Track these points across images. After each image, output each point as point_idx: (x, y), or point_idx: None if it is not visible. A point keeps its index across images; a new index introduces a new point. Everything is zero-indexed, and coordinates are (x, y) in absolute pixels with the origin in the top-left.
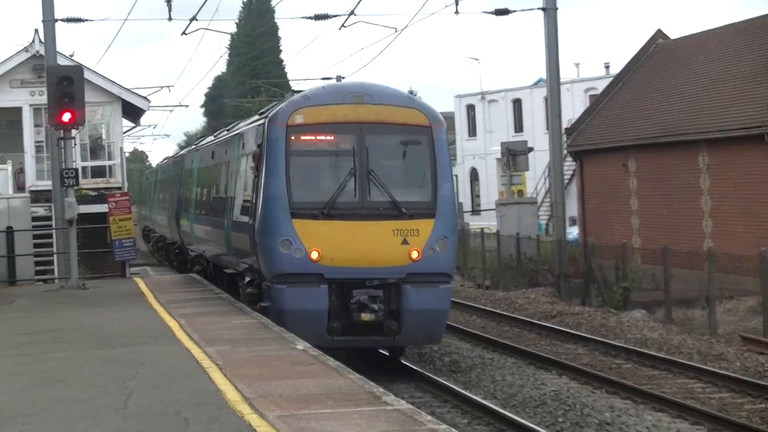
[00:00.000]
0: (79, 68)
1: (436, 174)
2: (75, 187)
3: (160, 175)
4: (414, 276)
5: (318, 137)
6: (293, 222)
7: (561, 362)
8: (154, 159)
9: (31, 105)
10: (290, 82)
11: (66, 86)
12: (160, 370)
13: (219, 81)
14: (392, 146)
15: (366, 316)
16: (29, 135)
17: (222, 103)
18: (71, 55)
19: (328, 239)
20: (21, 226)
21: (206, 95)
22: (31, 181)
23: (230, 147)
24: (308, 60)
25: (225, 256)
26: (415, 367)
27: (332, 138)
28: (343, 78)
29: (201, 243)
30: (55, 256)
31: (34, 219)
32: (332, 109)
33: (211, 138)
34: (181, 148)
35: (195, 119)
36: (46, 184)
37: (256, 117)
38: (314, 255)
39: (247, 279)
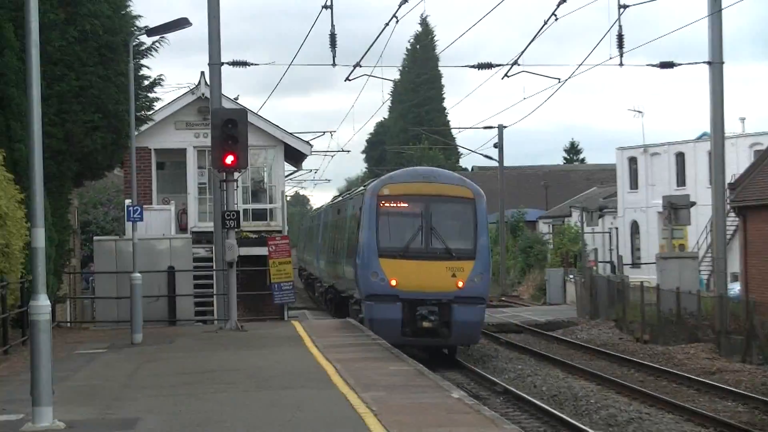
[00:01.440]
0: (243, 111)
1: (477, 230)
2: (236, 230)
3: (308, 221)
4: (459, 298)
5: (398, 204)
6: (380, 260)
7: (720, 419)
8: (316, 202)
9: (195, 147)
10: (452, 131)
11: (230, 129)
12: (316, 414)
13: (381, 127)
14: (447, 211)
15: (426, 324)
16: (192, 176)
17: (383, 149)
18: (236, 98)
19: (403, 272)
20: (182, 267)
21: (368, 141)
22: (194, 222)
23: (346, 207)
24: (470, 108)
25: (343, 284)
26: (573, 421)
27: (407, 205)
28: (505, 127)
29: (331, 277)
30: (214, 297)
31: (195, 260)
32: (408, 186)
33: (338, 197)
34: (341, 193)
35: (356, 164)
36: (207, 226)
37: (361, 188)
38: (393, 282)
39: (354, 300)
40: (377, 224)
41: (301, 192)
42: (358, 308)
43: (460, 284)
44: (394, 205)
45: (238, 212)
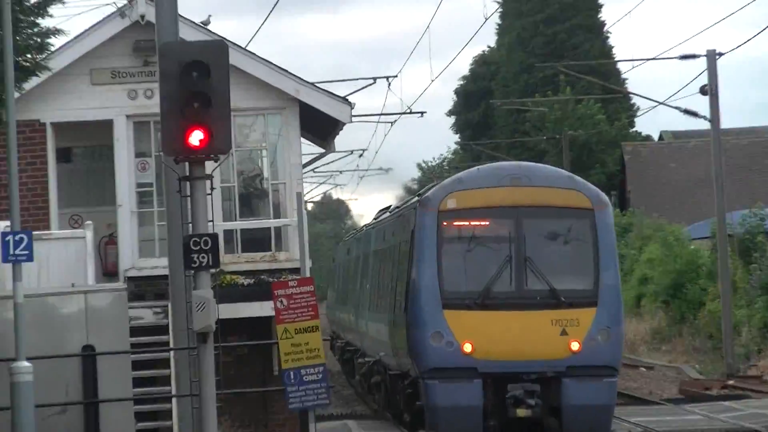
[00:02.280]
0: (220, 46)
1: (599, 259)
2: (214, 270)
3: (343, 252)
4: (575, 369)
5: (472, 222)
6: (445, 313)
7: None
8: (365, 214)
9: (129, 117)
10: (618, 65)
11: (196, 80)
12: None
13: (482, 64)
14: (551, 231)
15: (522, 412)
16: (126, 173)
17: (487, 105)
18: (205, 24)
19: (482, 330)
20: (110, 345)
21: (458, 92)
22: (130, 259)
23: (392, 230)
24: (650, 25)
25: (390, 355)
26: None
27: (487, 223)
28: (720, 55)
29: (377, 346)
30: (174, 401)
31: (136, 331)
32: (487, 193)
33: (386, 211)
34: (409, 192)
35: (438, 136)
36: (156, 266)
37: (413, 199)
38: (467, 347)
39: (406, 380)
40: (439, 256)
41: (336, 194)
42: (412, 392)
43: (575, 346)
44: (466, 224)
45: (215, 237)
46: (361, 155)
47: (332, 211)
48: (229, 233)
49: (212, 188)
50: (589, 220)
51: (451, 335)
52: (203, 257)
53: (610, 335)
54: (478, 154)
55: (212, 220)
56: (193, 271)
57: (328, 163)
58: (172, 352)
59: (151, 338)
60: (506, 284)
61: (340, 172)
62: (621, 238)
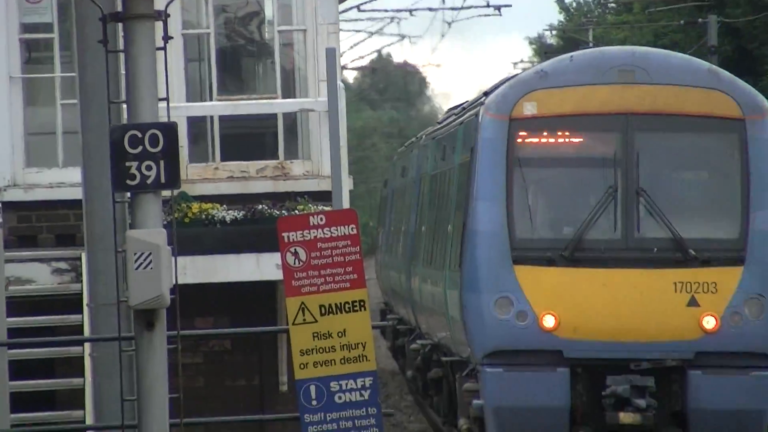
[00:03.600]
0: None
1: (750, 195)
2: (168, 194)
3: (413, 164)
4: (709, 356)
5: (560, 137)
6: (516, 270)
7: None
8: (457, 89)
9: None
10: None
11: None
12: None
13: None
14: (679, 150)
15: (628, 417)
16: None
17: None
18: None
19: (572, 297)
20: None
21: None
22: (9, 170)
23: (451, 144)
24: None
25: (442, 332)
26: None
27: (582, 138)
28: None
29: (423, 317)
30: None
31: (19, 305)
32: (584, 92)
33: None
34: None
35: None
36: (60, 182)
37: (480, 98)
38: (549, 321)
39: (462, 370)
40: (509, 187)
41: (401, 55)
42: (471, 386)
43: (710, 323)
44: (550, 140)
45: (173, 131)
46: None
47: (395, 86)
48: (199, 125)
49: (167, 37)
50: (738, 136)
51: (526, 303)
52: (149, 168)
53: (765, 308)
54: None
55: (167, 99)
56: (129, 195)
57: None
58: (86, 347)
59: (48, 319)
60: (608, 230)
61: (411, 12)
62: None
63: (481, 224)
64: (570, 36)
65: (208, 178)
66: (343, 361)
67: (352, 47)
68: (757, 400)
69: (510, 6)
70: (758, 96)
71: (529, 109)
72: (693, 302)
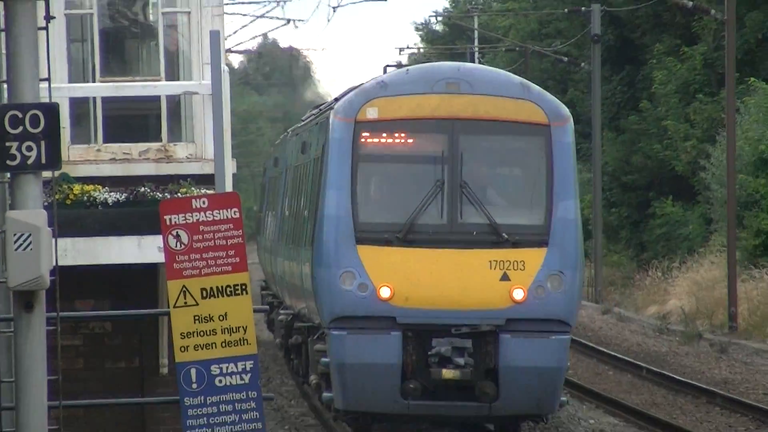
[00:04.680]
0: None
1: (553, 188)
2: (49, 175)
3: (283, 155)
4: (517, 323)
5: (396, 138)
6: (358, 249)
7: None
8: (342, 76)
9: None
10: None
11: None
12: None
13: None
14: (495, 150)
15: (449, 373)
16: None
17: None
18: None
19: (404, 272)
20: None
21: None
22: None
23: (310, 140)
24: None
25: (300, 302)
26: None
27: (415, 139)
28: None
29: (287, 291)
30: None
31: None
32: (417, 101)
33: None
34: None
35: None
36: None
37: (330, 102)
38: (385, 292)
39: (315, 334)
40: (354, 178)
41: (287, 40)
42: (320, 347)
43: (519, 295)
44: (389, 140)
45: (54, 111)
46: None
47: (280, 71)
48: (82, 106)
49: (49, 17)
50: (544, 139)
51: (366, 277)
52: (29, 149)
53: (563, 282)
54: None
55: (49, 79)
56: (9, 175)
57: None
58: None
59: None
60: (436, 216)
61: None
62: None
63: (330, 209)
64: (455, 23)
65: (91, 159)
66: (224, 344)
67: (235, 32)
68: (556, 359)
69: None
70: (561, 106)
71: (371, 113)
72: (505, 277)
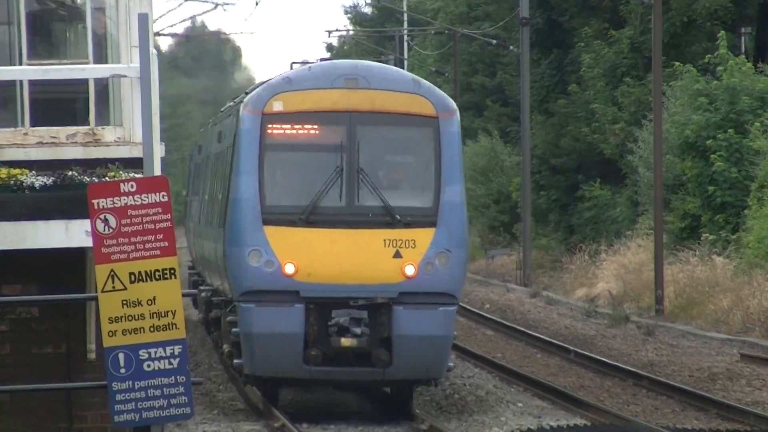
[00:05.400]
0: None
1: (441, 174)
2: None
3: (206, 142)
4: (408, 296)
5: (300, 129)
6: (265, 229)
7: None
8: (268, 59)
9: None
10: None
11: None
12: None
13: None
14: (389, 140)
15: (347, 341)
16: None
17: None
18: None
19: (307, 250)
20: None
21: None
22: None
23: (225, 130)
24: None
25: (215, 278)
26: None
27: (317, 129)
28: None
29: (204, 267)
30: None
31: None
32: (318, 95)
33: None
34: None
35: None
36: None
37: (242, 96)
38: (289, 269)
39: (227, 307)
40: (261, 165)
41: (216, 23)
42: (232, 318)
43: (410, 271)
44: (293, 131)
45: None
46: None
47: (209, 54)
48: (8, 89)
49: None
50: (433, 129)
51: (272, 254)
52: None
53: (450, 259)
54: None
55: None
56: None
57: None
58: None
59: None
60: (335, 199)
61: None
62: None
63: (240, 193)
64: (384, 5)
65: (17, 143)
66: (152, 329)
67: (163, 15)
68: (444, 329)
69: None
70: (449, 100)
71: (277, 106)
72: (397, 255)
